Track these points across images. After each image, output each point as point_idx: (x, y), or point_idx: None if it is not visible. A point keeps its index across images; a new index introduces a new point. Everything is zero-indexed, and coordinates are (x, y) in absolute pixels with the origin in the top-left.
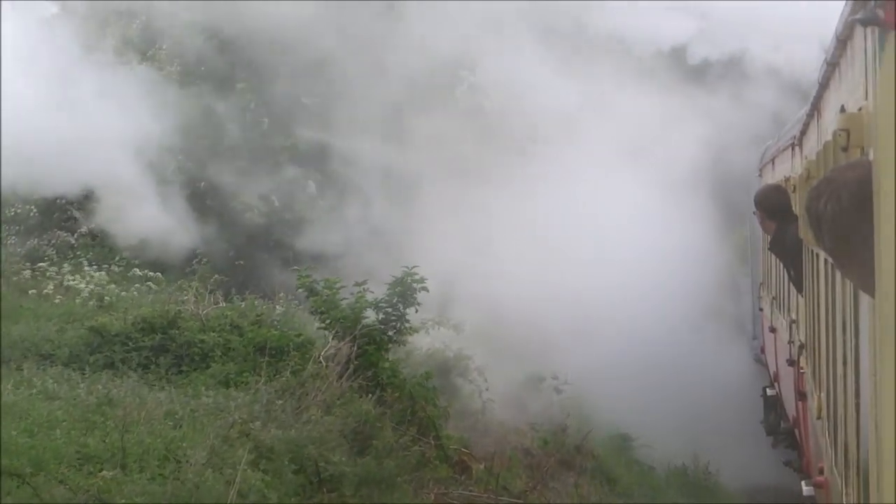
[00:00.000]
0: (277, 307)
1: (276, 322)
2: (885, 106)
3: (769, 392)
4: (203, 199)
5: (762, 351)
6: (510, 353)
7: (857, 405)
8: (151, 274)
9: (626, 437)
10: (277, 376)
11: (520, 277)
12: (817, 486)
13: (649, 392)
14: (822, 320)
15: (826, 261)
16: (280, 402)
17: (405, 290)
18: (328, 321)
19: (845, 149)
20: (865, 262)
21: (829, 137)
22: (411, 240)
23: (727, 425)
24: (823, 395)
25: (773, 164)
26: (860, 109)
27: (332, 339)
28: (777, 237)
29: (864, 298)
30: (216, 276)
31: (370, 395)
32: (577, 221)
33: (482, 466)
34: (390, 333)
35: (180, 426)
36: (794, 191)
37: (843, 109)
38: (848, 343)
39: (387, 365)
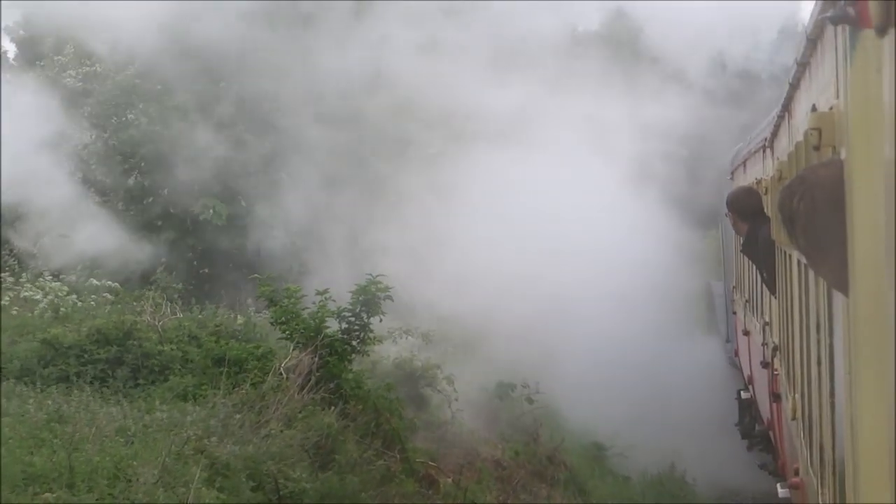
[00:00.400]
0: (239, 317)
1: (238, 332)
2: (857, 104)
3: (743, 395)
4: (164, 206)
5: (736, 354)
6: (482, 361)
7: (832, 405)
8: (110, 284)
9: (599, 446)
10: (237, 389)
11: (492, 284)
12: (793, 487)
13: (623, 398)
14: (795, 321)
15: (799, 261)
16: (238, 416)
17: (369, 298)
18: (289, 332)
19: (817, 148)
20: (839, 261)
21: (801, 137)
22: (377, 243)
23: (702, 429)
24: (798, 396)
25: (744, 166)
26: (831, 108)
27: (294, 350)
28: (749, 239)
29: (838, 298)
30: (177, 284)
31: (332, 408)
32: (550, 227)
33: (450, 480)
34: (353, 343)
35: (132, 443)
36: (766, 192)
37: (814, 109)
38: (822, 343)
39: (350, 376)
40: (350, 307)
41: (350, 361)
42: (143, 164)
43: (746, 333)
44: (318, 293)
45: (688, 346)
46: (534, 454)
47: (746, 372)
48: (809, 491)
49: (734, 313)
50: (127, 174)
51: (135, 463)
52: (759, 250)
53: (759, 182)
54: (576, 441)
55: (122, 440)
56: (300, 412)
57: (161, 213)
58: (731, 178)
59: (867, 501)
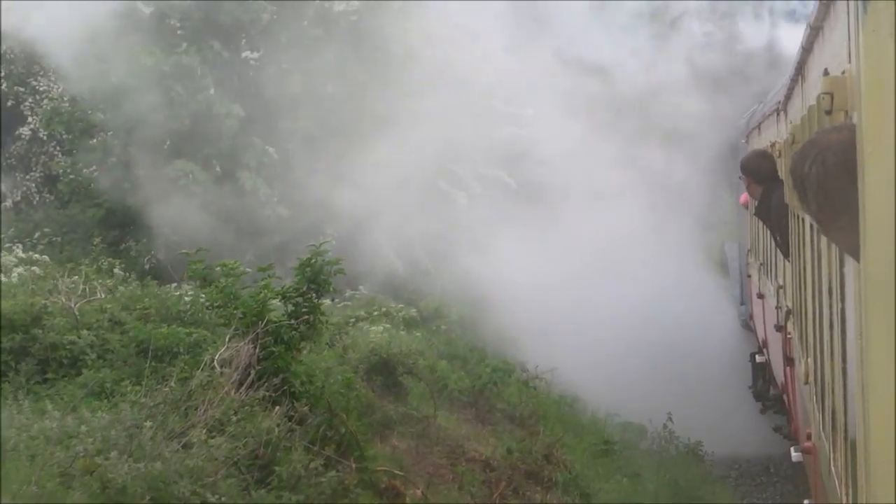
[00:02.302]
0: (186, 295)
1: (183, 314)
2: (869, 68)
3: (758, 359)
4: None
5: (751, 317)
6: (479, 340)
7: (844, 370)
8: (37, 257)
9: (607, 440)
10: (160, 386)
11: (494, 257)
12: (805, 451)
13: (636, 365)
14: (808, 285)
15: (812, 225)
16: (150, 422)
17: (316, 273)
18: (225, 317)
19: (829, 112)
20: (850, 226)
21: (814, 101)
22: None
23: (716, 393)
24: (810, 360)
25: (759, 129)
26: (843, 73)
27: (231, 338)
28: (763, 202)
29: (850, 262)
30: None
31: (276, 408)
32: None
33: (419, 492)
34: (302, 329)
35: (11, 459)
36: (779, 156)
37: (826, 73)
38: (834, 307)
39: (300, 369)
40: (295, 285)
41: (299, 351)
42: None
43: (761, 296)
44: (261, 269)
45: (702, 309)
46: (529, 452)
47: (761, 335)
48: (822, 455)
49: (749, 276)
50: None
51: (12, 486)
52: (772, 214)
53: (773, 145)
54: (581, 433)
55: None
56: (235, 414)
57: (127, 175)
58: (746, 142)
59: (878, 467)
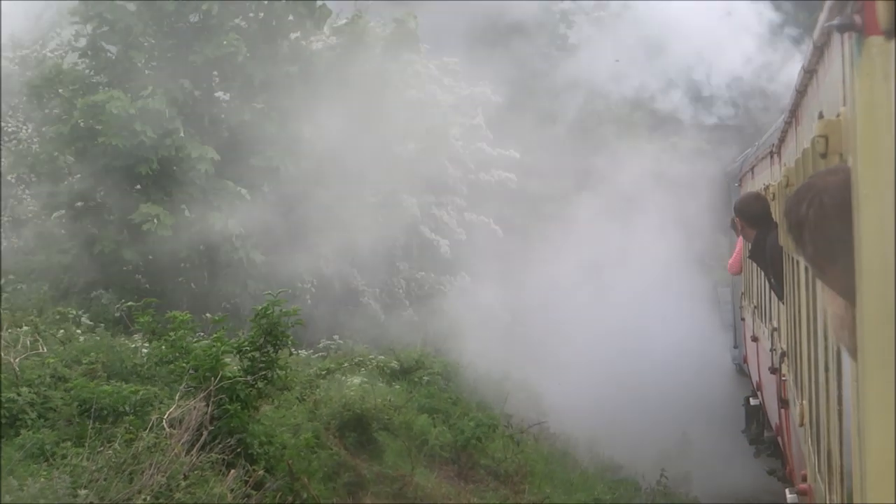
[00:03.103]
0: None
1: (139, 368)
2: (863, 111)
3: (752, 402)
4: (98, 213)
5: (744, 360)
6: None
7: (840, 412)
8: None
9: (598, 499)
10: (108, 446)
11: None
12: (801, 493)
13: (630, 409)
14: (803, 327)
15: (806, 267)
16: (85, 491)
17: (272, 325)
18: (175, 372)
19: (824, 155)
20: (846, 269)
21: (808, 144)
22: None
23: (710, 437)
24: (806, 402)
25: (752, 172)
26: (838, 116)
27: (182, 396)
28: (757, 245)
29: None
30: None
31: (231, 472)
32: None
33: None
34: (259, 385)
35: None
36: (773, 198)
37: (821, 116)
38: (829, 349)
39: (257, 429)
40: (251, 339)
41: (256, 409)
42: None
43: (755, 339)
44: (215, 320)
45: (695, 353)
46: None
47: (755, 378)
48: (817, 497)
49: (742, 319)
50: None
51: None
52: (766, 256)
53: (767, 188)
54: (570, 490)
55: None
56: (184, 479)
57: (95, 220)
58: (739, 185)
59: None
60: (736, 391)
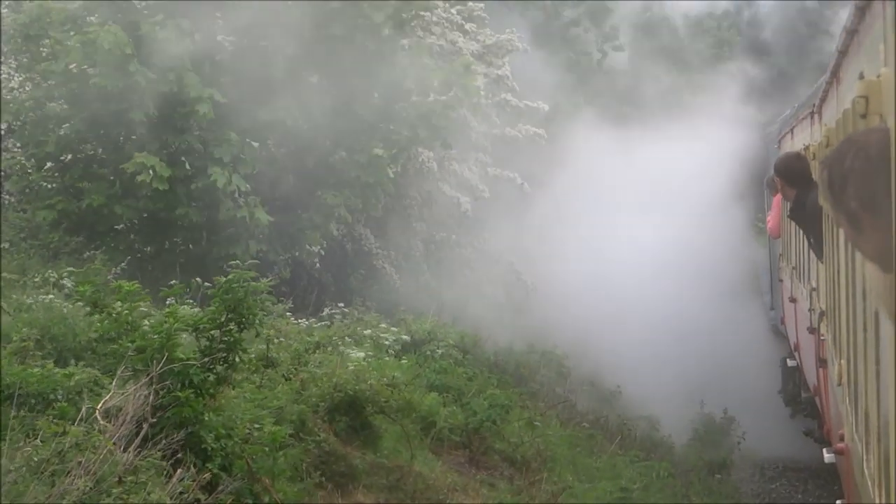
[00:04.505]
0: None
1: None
2: None
3: (789, 363)
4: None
5: (782, 322)
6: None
7: (877, 371)
8: None
9: (624, 488)
10: (22, 445)
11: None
12: (838, 452)
13: (667, 370)
14: (841, 287)
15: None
16: None
17: (238, 300)
18: (118, 354)
19: (864, 116)
20: (886, 227)
21: (848, 105)
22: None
23: (746, 398)
24: (844, 361)
25: (791, 133)
26: (879, 76)
27: (119, 381)
28: (797, 204)
29: None
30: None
31: (178, 472)
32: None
33: None
34: (218, 370)
35: None
36: (813, 158)
37: (861, 76)
38: (868, 310)
39: (214, 420)
40: (211, 314)
41: (213, 397)
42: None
43: (793, 300)
44: (166, 292)
45: (732, 316)
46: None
47: (793, 339)
48: (854, 456)
49: (780, 281)
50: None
51: None
52: (806, 216)
53: (806, 148)
54: (594, 478)
55: None
56: (119, 482)
57: (85, 173)
58: (778, 146)
59: None
60: (773, 353)
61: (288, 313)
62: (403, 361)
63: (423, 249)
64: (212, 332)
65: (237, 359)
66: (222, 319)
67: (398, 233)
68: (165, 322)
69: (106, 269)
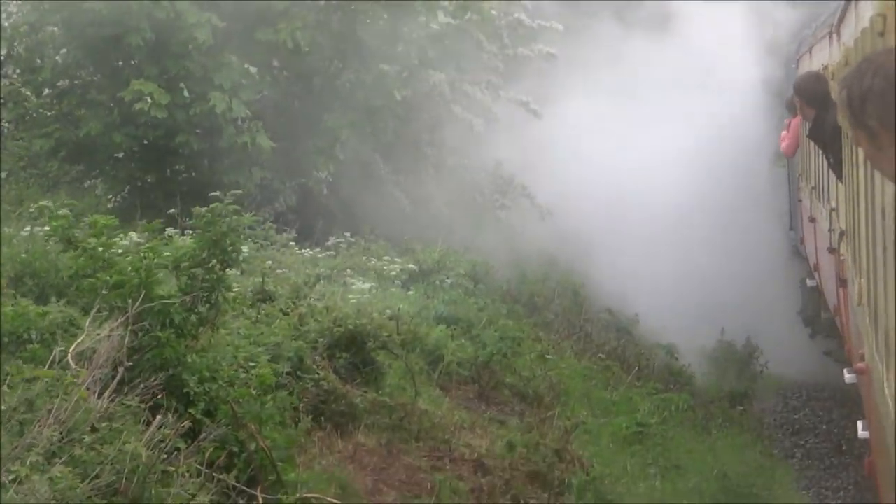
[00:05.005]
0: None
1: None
2: None
3: (809, 283)
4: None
5: (801, 242)
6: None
7: None
8: None
9: (641, 423)
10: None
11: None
12: (859, 372)
13: (686, 294)
14: (861, 206)
15: None
16: None
17: (221, 236)
18: (95, 291)
19: (882, 34)
20: None
21: (867, 24)
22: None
23: (766, 320)
24: (864, 280)
25: (810, 53)
26: None
27: (93, 323)
28: (817, 124)
29: None
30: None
31: (158, 418)
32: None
33: None
34: (200, 310)
35: None
36: (832, 78)
37: None
38: (888, 229)
39: (198, 363)
40: (194, 250)
41: (196, 338)
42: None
43: (812, 220)
44: (147, 228)
45: (751, 236)
46: (536, 446)
47: (812, 260)
48: (875, 375)
49: (800, 201)
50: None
51: None
52: (826, 135)
53: (825, 68)
54: (610, 412)
55: None
56: (92, 430)
57: (82, 101)
58: (797, 67)
59: None
60: (792, 273)
61: (292, 243)
62: (410, 293)
63: (434, 174)
64: (192, 269)
65: (221, 298)
66: (204, 256)
67: (408, 158)
68: (145, 258)
69: (106, 199)
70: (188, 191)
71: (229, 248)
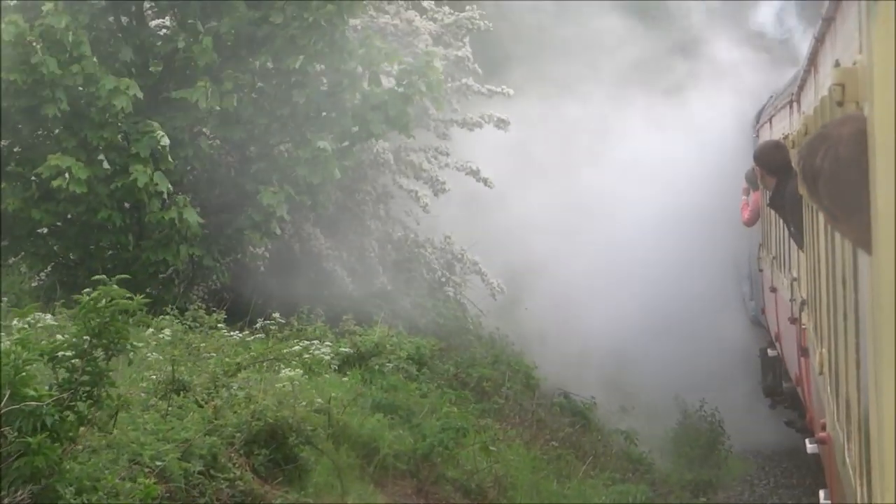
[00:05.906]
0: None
1: None
2: (879, 59)
3: (769, 353)
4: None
5: (762, 312)
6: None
7: (858, 360)
8: None
9: None
10: None
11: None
12: (821, 441)
13: (646, 361)
14: (822, 275)
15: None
16: None
17: (103, 322)
18: None
19: (841, 103)
20: (863, 218)
21: (826, 92)
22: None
23: (725, 389)
24: (825, 350)
25: (770, 123)
26: (855, 64)
27: None
28: (777, 193)
29: (863, 253)
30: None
31: None
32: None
33: None
34: (80, 408)
35: None
36: (792, 147)
37: (837, 64)
38: (848, 298)
39: (76, 472)
40: (71, 341)
41: (74, 442)
42: None
43: (774, 290)
44: (19, 313)
45: (710, 307)
46: None
47: (773, 329)
48: (836, 445)
49: (760, 271)
50: None
51: None
52: (786, 204)
53: (786, 137)
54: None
55: None
56: None
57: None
58: (757, 136)
59: (891, 456)
60: (751, 343)
61: (220, 325)
62: (345, 378)
63: (378, 250)
64: (73, 360)
65: (104, 394)
66: (85, 346)
67: (351, 232)
68: (13, 352)
69: (29, 278)
70: (112, 268)
71: (115, 336)
